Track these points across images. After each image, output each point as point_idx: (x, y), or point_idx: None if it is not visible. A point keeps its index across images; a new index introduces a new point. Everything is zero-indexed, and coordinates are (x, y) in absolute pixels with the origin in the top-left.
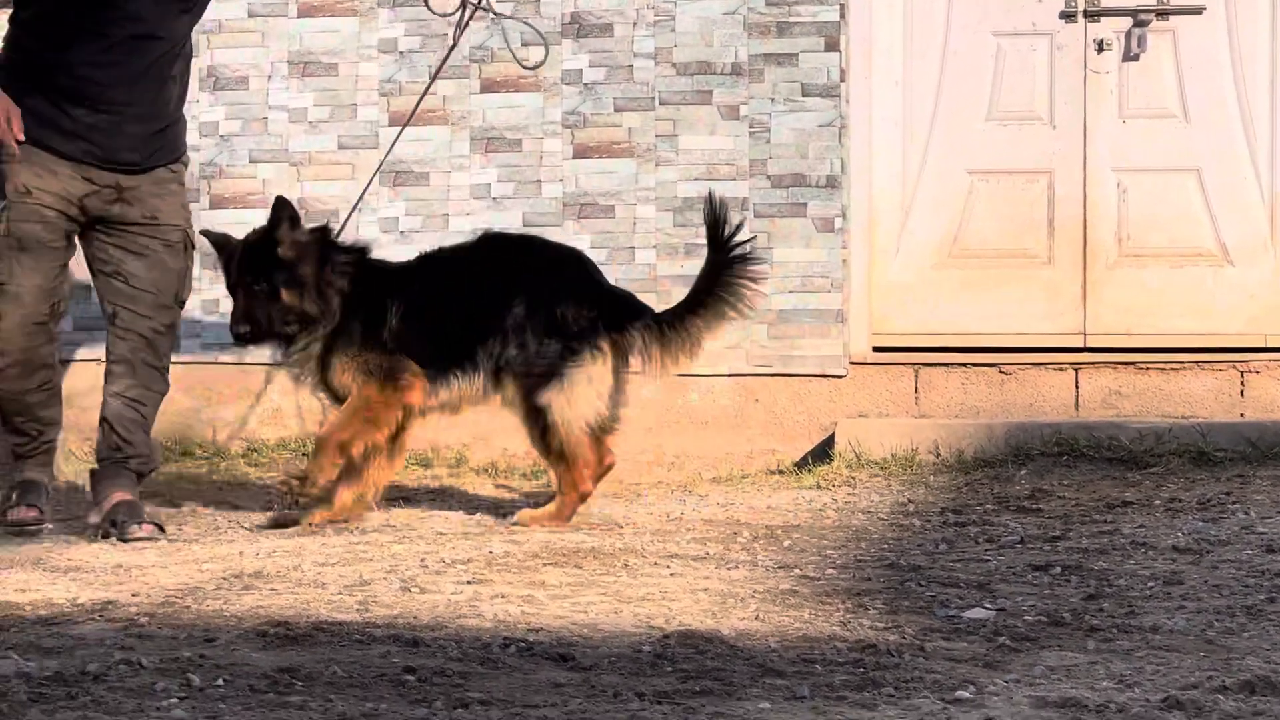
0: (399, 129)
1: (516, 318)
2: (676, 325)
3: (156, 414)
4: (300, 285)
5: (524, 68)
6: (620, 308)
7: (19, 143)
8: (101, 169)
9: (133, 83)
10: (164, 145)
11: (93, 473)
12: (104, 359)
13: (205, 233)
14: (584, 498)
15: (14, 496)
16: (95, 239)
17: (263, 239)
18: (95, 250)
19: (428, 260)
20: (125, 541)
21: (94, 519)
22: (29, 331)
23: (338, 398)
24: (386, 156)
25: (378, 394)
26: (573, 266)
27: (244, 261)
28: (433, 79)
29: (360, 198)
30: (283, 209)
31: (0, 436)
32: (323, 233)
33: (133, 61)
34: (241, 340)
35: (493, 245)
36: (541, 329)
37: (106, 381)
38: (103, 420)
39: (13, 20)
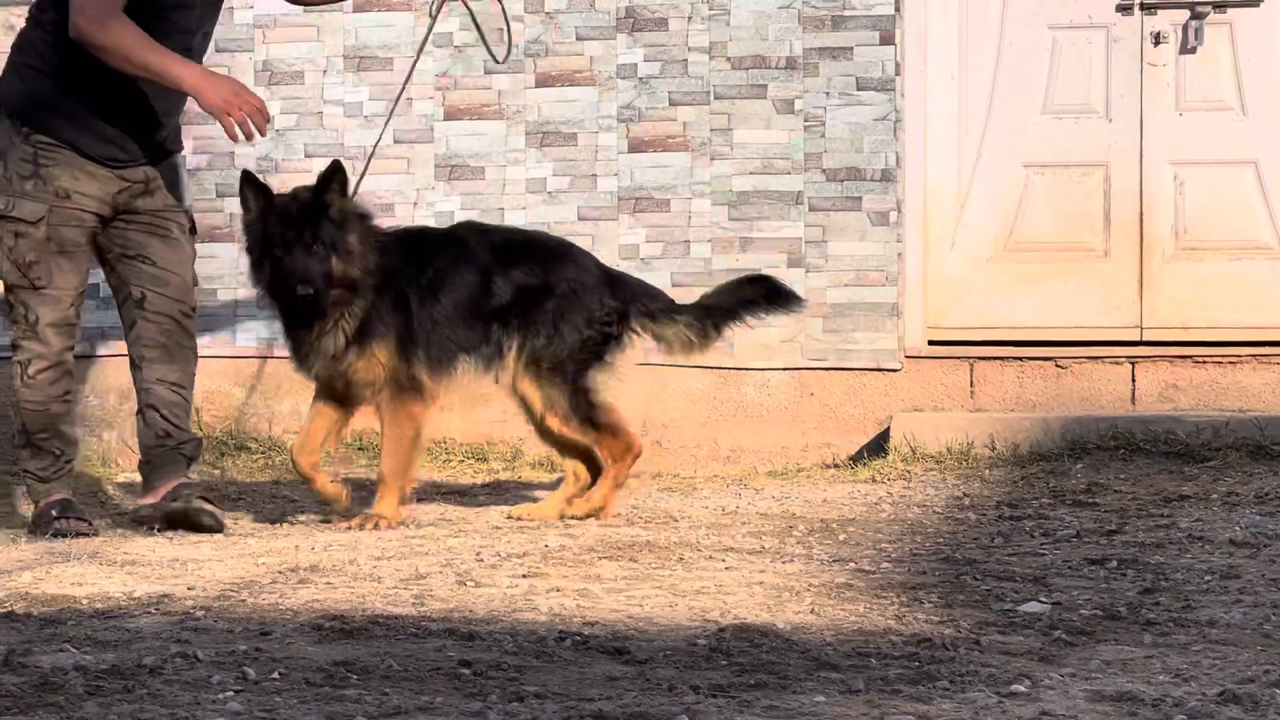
0: (391, 106)
1: (550, 308)
2: (695, 321)
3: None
4: (349, 253)
5: (495, 60)
6: (645, 297)
7: (56, 145)
8: (135, 166)
9: (172, 91)
10: (175, 133)
11: (144, 464)
12: (130, 346)
13: (248, 174)
14: (638, 455)
15: (53, 512)
16: (115, 227)
17: (314, 198)
18: (114, 238)
19: (422, 242)
20: (192, 522)
21: (148, 500)
22: (63, 333)
23: (352, 387)
24: (380, 139)
25: (419, 417)
26: (586, 258)
27: (301, 216)
28: (415, 60)
29: (362, 175)
30: (336, 172)
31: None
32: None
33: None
34: (300, 303)
35: (495, 235)
36: (582, 318)
37: (141, 368)
38: (147, 408)
39: (50, 26)
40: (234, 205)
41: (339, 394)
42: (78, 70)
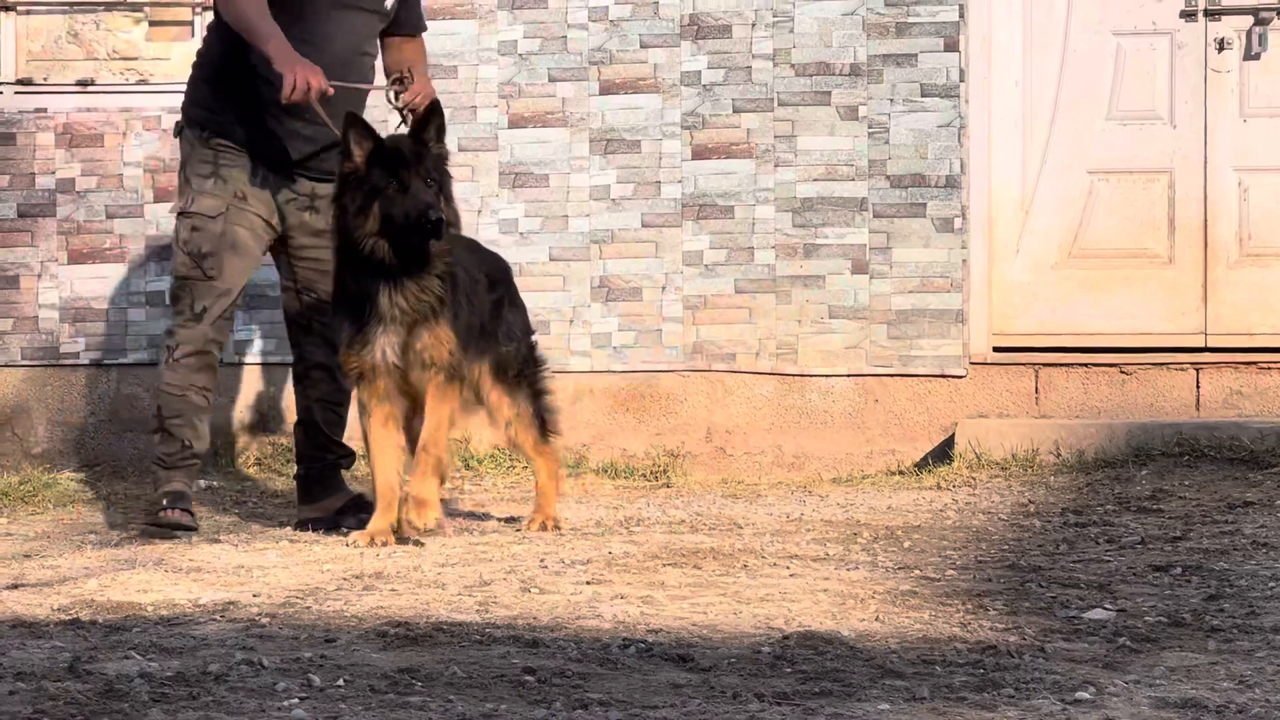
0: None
1: (516, 315)
2: None
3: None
4: (450, 197)
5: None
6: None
7: (234, 148)
8: (302, 177)
9: (337, 101)
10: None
11: (302, 477)
12: (295, 363)
13: (354, 116)
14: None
15: (164, 501)
16: (284, 260)
17: (416, 139)
18: (284, 271)
19: None
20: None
21: (314, 514)
22: (219, 327)
23: (410, 373)
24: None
25: (459, 404)
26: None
27: (415, 153)
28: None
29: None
30: (434, 114)
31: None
32: None
33: (347, 75)
34: (435, 228)
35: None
36: (527, 328)
37: (304, 385)
38: (306, 424)
39: (213, 35)
40: None
41: (393, 403)
42: (239, 71)
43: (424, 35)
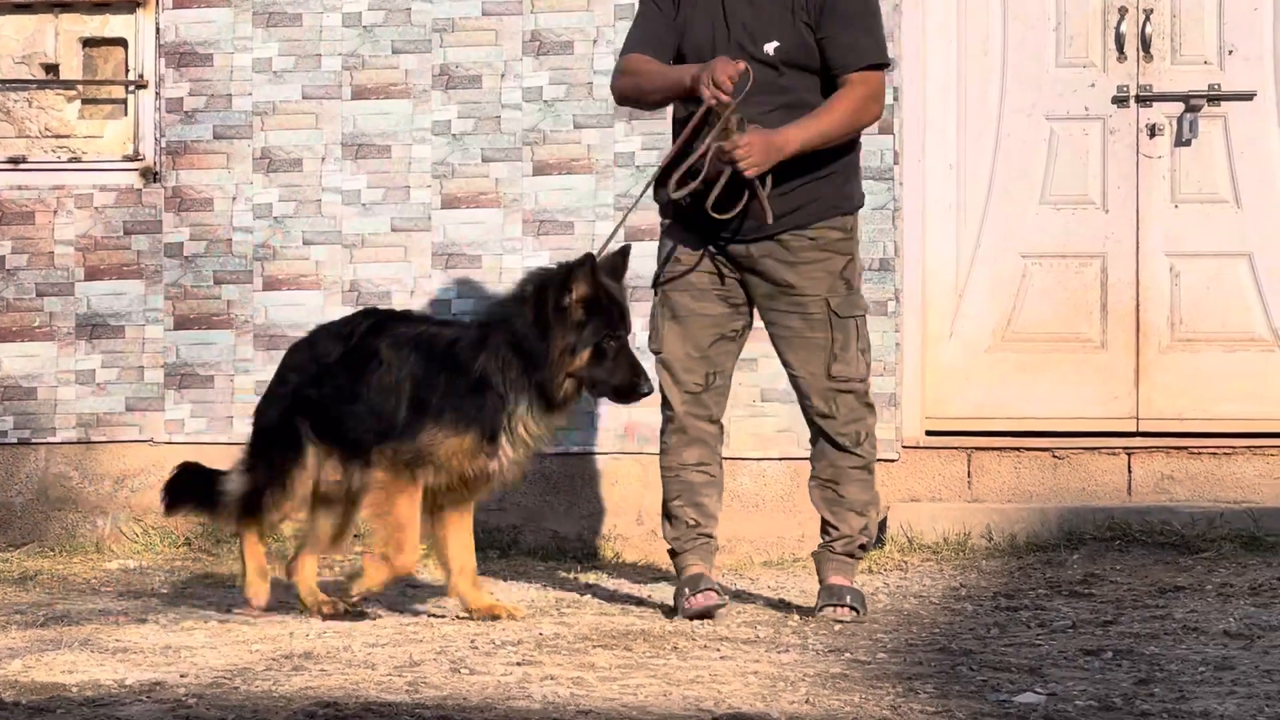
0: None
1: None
2: None
3: (862, 487)
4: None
5: None
6: None
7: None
8: (736, 242)
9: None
10: (791, 210)
11: (814, 554)
12: None
13: (588, 255)
14: None
15: (685, 590)
16: (761, 307)
17: (617, 278)
18: (765, 322)
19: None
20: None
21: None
22: (687, 400)
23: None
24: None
25: None
26: None
27: (623, 310)
28: None
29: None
30: (625, 256)
31: None
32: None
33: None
34: (633, 399)
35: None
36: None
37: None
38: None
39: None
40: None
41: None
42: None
43: (356, 115)
